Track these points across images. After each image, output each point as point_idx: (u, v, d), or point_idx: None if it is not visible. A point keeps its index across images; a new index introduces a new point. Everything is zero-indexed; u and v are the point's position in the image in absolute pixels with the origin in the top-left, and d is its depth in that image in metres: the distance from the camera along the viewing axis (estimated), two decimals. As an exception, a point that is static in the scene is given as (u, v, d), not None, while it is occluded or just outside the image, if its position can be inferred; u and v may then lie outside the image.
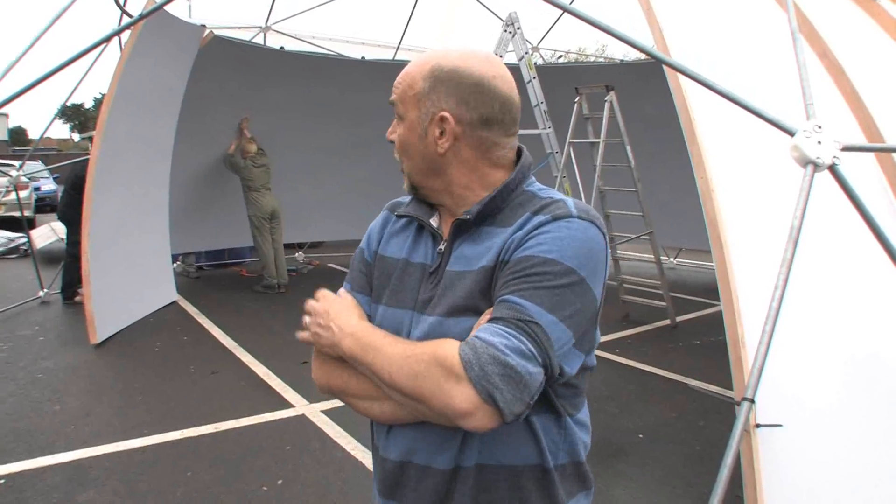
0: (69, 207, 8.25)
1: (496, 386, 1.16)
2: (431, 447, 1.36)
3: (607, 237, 1.38)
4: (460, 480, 1.35)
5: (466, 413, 1.18)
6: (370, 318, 1.48)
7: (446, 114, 1.36)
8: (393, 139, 1.46)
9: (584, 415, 1.46)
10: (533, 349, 1.19)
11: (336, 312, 1.44)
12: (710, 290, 9.49)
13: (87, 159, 8.11)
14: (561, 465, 1.40)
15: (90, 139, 7.66)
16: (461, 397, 1.17)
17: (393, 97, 1.43)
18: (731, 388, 2.78)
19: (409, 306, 1.42)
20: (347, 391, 1.42)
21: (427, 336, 1.34)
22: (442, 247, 1.43)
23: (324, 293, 1.50)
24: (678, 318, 7.80)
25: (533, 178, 1.47)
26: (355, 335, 1.37)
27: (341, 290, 1.57)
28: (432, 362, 1.22)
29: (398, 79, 1.43)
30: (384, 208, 1.63)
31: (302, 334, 1.47)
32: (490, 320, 1.24)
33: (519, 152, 1.48)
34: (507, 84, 1.40)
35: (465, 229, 1.41)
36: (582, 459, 1.45)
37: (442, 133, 1.38)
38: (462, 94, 1.36)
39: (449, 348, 1.22)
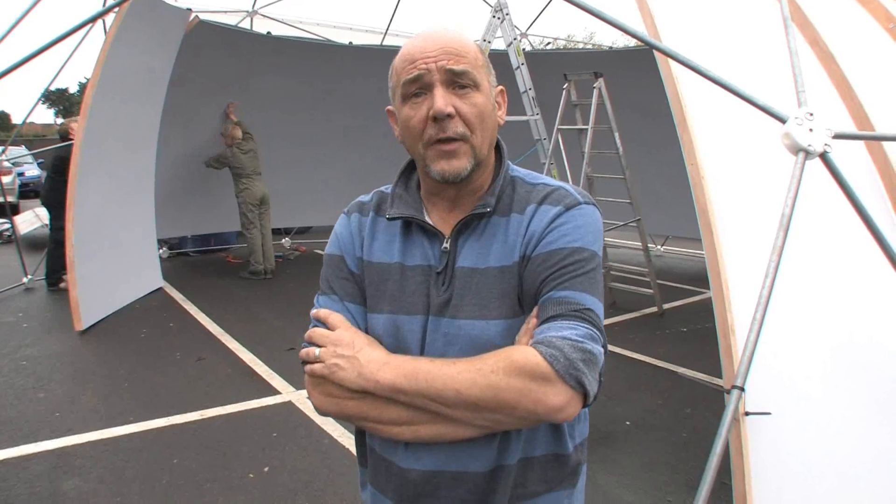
0: (52, 192, 8.18)
1: (582, 371, 1.20)
2: (466, 453, 1.33)
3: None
4: (502, 478, 1.35)
5: (560, 408, 1.21)
6: (365, 329, 1.42)
7: (503, 87, 1.45)
8: (451, 111, 1.31)
9: None
10: (596, 332, 1.26)
11: (357, 343, 1.35)
12: (696, 277, 9.54)
13: (71, 144, 8.06)
14: (577, 445, 1.45)
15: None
16: (552, 393, 1.19)
17: (462, 65, 1.32)
18: (718, 376, 2.78)
19: (419, 311, 1.37)
20: (368, 418, 1.34)
21: (454, 339, 1.33)
22: (447, 245, 1.39)
23: (333, 318, 1.41)
24: (665, 306, 7.83)
25: (508, 161, 1.49)
26: (391, 364, 1.30)
27: (322, 303, 1.46)
28: (512, 371, 1.20)
29: (452, 48, 1.33)
30: (348, 212, 1.53)
31: (316, 366, 1.35)
32: (547, 319, 1.26)
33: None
34: None
35: (470, 222, 1.39)
36: (586, 434, 1.51)
37: (497, 105, 1.43)
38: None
39: (526, 353, 1.22)
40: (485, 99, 1.35)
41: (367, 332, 1.41)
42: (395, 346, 1.37)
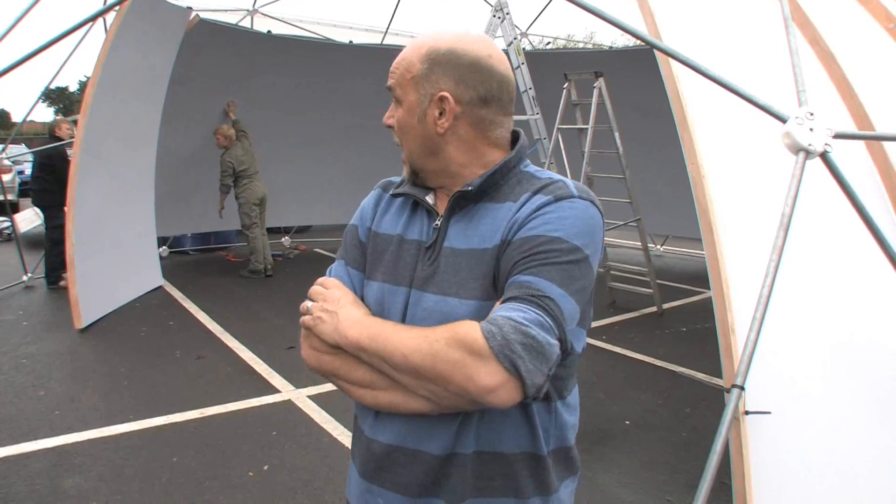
0: (42, 192, 8.17)
1: (519, 355, 1.16)
2: (422, 432, 1.36)
3: (603, 217, 1.39)
4: (457, 467, 1.36)
5: (490, 389, 1.18)
6: (362, 296, 1.49)
7: (446, 94, 1.37)
8: (391, 124, 1.45)
9: (574, 397, 1.48)
10: (549, 321, 1.20)
11: (342, 301, 1.43)
12: (696, 277, 9.54)
13: (59, 144, 8.04)
14: (552, 450, 1.42)
15: (75, 123, 7.57)
16: (484, 371, 1.17)
17: (390, 82, 1.43)
18: (717, 375, 2.79)
19: (405, 283, 1.42)
20: (339, 375, 1.40)
21: (430, 314, 1.35)
22: (438, 222, 1.43)
23: (329, 281, 1.50)
24: (664, 306, 7.83)
25: (528, 161, 1.49)
26: (362, 323, 1.36)
27: (333, 268, 1.57)
28: (452, 341, 1.21)
29: (395, 63, 1.42)
30: (376, 186, 1.63)
31: (305, 318, 1.43)
32: (504, 300, 1.25)
33: (515, 134, 1.49)
34: (503, 63, 1.42)
35: (462, 205, 1.41)
36: (570, 444, 1.47)
37: (441, 113, 1.38)
38: (460, 74, 1.37)
39: (469, 327, 1.21)
40: (404, 113, 1.42)
41: (362, 298, 1.48)
42: (381, 314, 1.43)
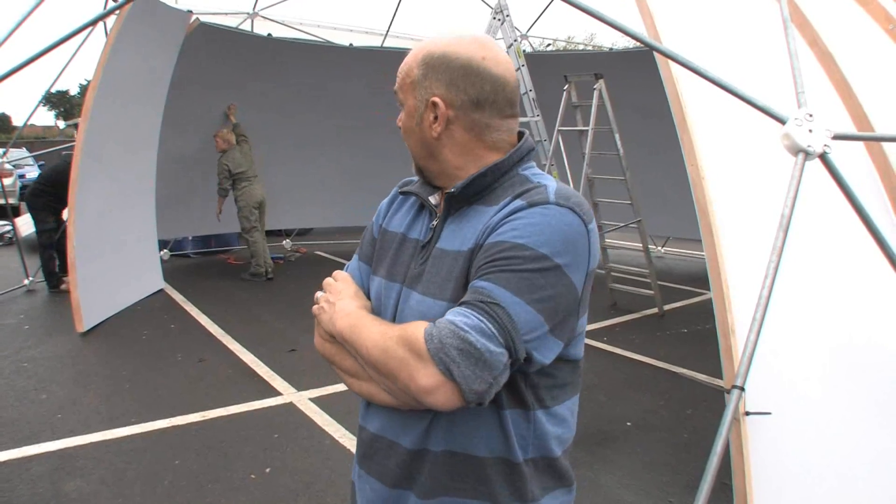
0: (34, 195, 8.14)
1: (453, 359, 1.17)
2: (398, 425, 1.41)
3: (590, 223, 1.32)
4: (427, 463, 1.38)
5: (427, 390, 1.20)
6: (367, 290, 1.55)
7: (437, 99, 1.38)
8: (399, 125, 1.49)
9: (565, 408, 1.44)
10: (493, 329, 1.19)
11: (343, 293, 1.50)
12: (697, 278, 9.54)
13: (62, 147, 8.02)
14: (531, 459, 1.39)
15: (75, 126, 7.58)
16: (423, 372, 1.20)
17: (395, 86, 1.46)
18: (718, 376, 2.79)
19: (399, 280, 1.45)
20: (335, 363, 1.48)
21: (413, 312, 1.38)
22: (434, 223, 1.45)
23: (339, 273, 1.59)
24: (665, 307, 7.83)
25: (532, 164, 1.46)
26: (350, 315, 1.42)
27: (350, 261, 1.64)
28: (400, 340, 1.25)
29: (399, 68, 1.45)
30: (396, 186, 1.66)
31: (313, 307, 1.52)
32: (458, 304, 1.26)
33: (520, 136, 1.48)
34: (500, 65, 1.40)
35: (456, 206, 1.42)
36: (554, 455, 1.42)
37: (435, 118, 1.39)
38: (451, 78, 1.38)
39: (415, 327, 1.25)
40: (406, 117, 1.46)
41: (368, 291, 1.55)
42: (378, 309, 1.49)
